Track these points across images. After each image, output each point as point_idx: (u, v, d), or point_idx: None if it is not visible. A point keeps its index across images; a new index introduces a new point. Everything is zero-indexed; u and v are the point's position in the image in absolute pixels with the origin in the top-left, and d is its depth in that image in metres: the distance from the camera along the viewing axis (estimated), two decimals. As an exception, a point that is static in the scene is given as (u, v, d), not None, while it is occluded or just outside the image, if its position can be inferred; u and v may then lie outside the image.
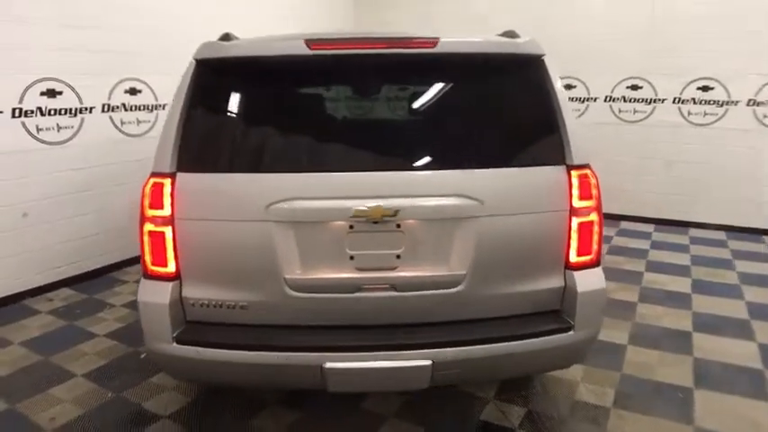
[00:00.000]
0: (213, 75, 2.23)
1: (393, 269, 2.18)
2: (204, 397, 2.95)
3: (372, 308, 2.20)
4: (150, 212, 2.18)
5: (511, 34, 2.39)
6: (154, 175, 2.18)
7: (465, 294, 2.19)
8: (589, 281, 2.26)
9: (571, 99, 6.67)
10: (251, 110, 2.27)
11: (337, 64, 2.23)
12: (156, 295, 2.19)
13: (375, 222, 2.11)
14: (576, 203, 2.22)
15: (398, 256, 2.18)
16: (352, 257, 2.17)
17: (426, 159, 2.22)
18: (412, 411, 2.81)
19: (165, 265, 2.21)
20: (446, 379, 2.22)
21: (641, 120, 6.48)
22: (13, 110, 4.02)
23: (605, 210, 2.31)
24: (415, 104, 2.35)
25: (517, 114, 2.32)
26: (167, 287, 2.20)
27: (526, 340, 2.17)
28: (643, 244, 5.76)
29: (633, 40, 6.28)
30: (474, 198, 2.13)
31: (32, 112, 4.14)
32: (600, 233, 2.32)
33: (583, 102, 6.74)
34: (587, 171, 2.24)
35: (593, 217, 2.26)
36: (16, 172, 4.08)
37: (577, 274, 2.25)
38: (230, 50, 2.21)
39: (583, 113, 6.73)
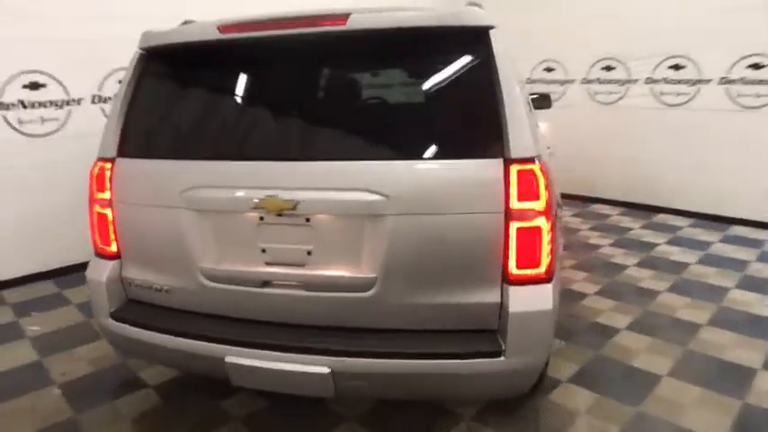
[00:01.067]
0: (147, 63, 2.22)
1: (303, 266, 2.00)
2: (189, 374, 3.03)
3: (281, 305, 2.04)
4: (97, 195, 2.25)
5: (473, 2, 2.03)
6: (99, 159, 2.24)
7: (377, 300, 1.93)
8: (528, 299, 1.86)
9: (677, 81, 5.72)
10: (173, 97, 2.23)
11: (247, 48, 2.08)
12: (98, 273, 2.27)
13: (279, 215, 1.95)
14: (515, 205, 1.82)
15: (309, 253, 1.99)
16: (263, 251, 2.03)
17: (330, 148, 1.98)
18: (376, 416, 2.60)
19: (108, 244, 2.28)
20: (356, 390, 1.99)
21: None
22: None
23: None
24: (325, 88, 2.10)
25: (445, 98, 1.96)
26: (108, 265, 2.27)
27: (443, 361, 1.85)
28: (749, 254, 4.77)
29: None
30: (380, 193, 1.85)
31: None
32: (553, 241, 1.89)
33: (694, 84, 5.73)
34: (532, 166, 1.82)
35: (541, 222, 1.84)
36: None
37: (514, 290, 1.86)
38: (153, 39, 2.18)
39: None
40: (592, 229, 5.64)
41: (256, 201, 1.93)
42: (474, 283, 1.89)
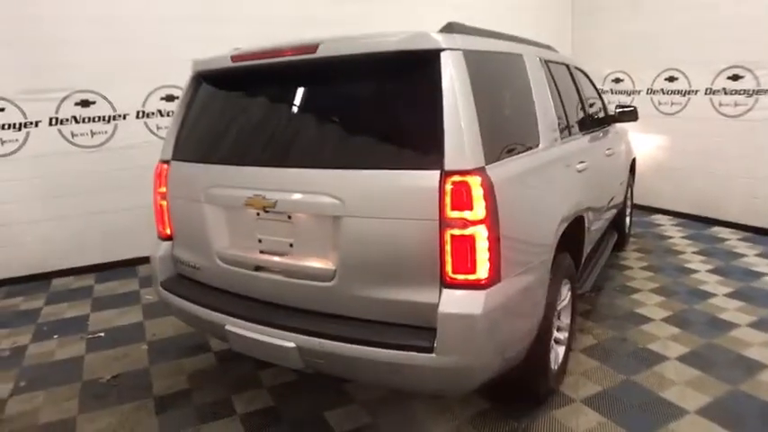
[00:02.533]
0: (195, 84, 2.74)
1: (285, 255, 2.32)
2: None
3: (268, 287, 2.39)
4: (158, 189, 2.83)
5: (448, 28, 2.19)
6: (160, 161, 2.82)
7: (337, 290, 2.18)
8: (459, 302, 1.95)
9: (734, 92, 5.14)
10: (205, 112, 2.68)
11: (247, 74, 2.47)
12: (155, 251, 2.85)
13: (267, 211, 2.30)
14: (449, 214, 1.94)
15: (291, 245, 2.31)
16: (260, 240, 2.40)
17: (300, 157, 2.25)
18: (385, 404, 2.82)
19: (164, 229, 2.84)
20: (321, 367, 2.25)
21: None
22: None
23: None
24: (300, 108, 2.37)
25: (394, 114, 2.12)
26: (162, 246, 2.84)
27: (381, 349, 2.03)
28: None
29: None
30: (337, 197, 2.10)
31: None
32: (494, 250, 1.97)
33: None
34: (467, 178, 1.93)
35: (477, 231, 1.94)
36: None
37: (447, 293, 1.97)
38: (197, 65, 2.68)
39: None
40: (696, 252, 5.11)
41: (247, 198, 2.31)
42: (416, 283, 2.03)
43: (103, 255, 5.16)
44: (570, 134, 3.13)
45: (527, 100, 2.63)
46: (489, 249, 1.95)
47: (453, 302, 1.95)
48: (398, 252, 2.03)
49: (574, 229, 2.89)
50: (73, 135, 4.92)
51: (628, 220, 5.34)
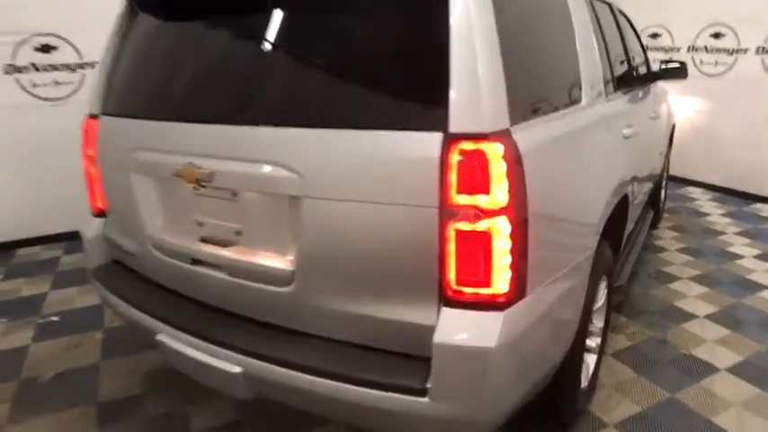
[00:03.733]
0: (131, 13, 2.04)
1: (231, 246, 1.68)
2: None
3: (210, 288, 1.77)
4: (87, 151, 2.18)
5: None
6: (87, 116, 2.16)
7: (296, 299, 1.55)
8: (466, 328, 1.32)
9: None
10: (142, 52, 1.99)
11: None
12: (86, 229, 2.23)
13: (203, 186, 1.65)
14: (454, 199, 1.28)
15: (238, 233, 1.67)
16: (200, 224, 1.76)
17: (247, 111, 1.58)
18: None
19: (96, 201, 2.21)
20: (277, 396, 1.65)
21: None
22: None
23: None
24: (253, 43, 1.66)
25: (377, 49, 1.43)
26: (94, 224, 2.22)
27: (349, 386, 1.41)
28: None
29: None
30: (291, 169, 1.44)
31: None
32: (519, 252, 1.31)
33: None
34: (484, 146, 1.25)
35: (496, 225, 1.28)
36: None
37: (448, 313, 1.34)
38: None
39: None
40: (739, 233, 4.40)
41: (176, 168, 1.66)
42: (405, 296, 1.40)
43: (75, 223, 4.57)
44: (615, 90, 2.40)
45: (568, 41, 1.92)
46: (513, 252, 1.30)
47: (456, 328, 1.31)
48: (380, 251, 1.39)
49: (615, 211, 2.21)
50: (34, 85, 4.25)
51: (663, 193, 4.62)
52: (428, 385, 1.33)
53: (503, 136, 1.28)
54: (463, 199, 1.27)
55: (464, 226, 1.28)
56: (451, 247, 1.30)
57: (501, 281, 1.31)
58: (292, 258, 1.53)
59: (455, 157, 1.26)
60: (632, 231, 3.21)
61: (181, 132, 1.68)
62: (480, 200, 1.27)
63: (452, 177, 1.27)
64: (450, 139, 1.27)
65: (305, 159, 1.42)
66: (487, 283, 1.31)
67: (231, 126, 1.56)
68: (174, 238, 1.82)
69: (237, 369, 1.58)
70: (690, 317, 3.04)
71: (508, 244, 1.29)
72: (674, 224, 4.64)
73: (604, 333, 2.43)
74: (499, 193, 1.27)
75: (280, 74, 1.59)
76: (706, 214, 4.91)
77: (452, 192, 1.27)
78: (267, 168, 1.48)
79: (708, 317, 3.04)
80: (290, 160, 1.44)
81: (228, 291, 1.70)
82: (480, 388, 1.32)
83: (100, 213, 2.21)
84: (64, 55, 4.31)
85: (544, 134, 1.50)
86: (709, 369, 2.55)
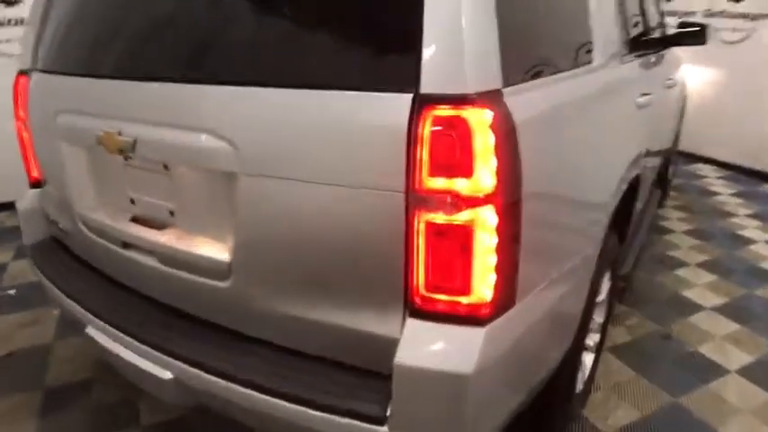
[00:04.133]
0: None
1: (164, 229, 1.39)
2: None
3: (144, 277, 1.48)
4: (17, 112, 1.87)
5: None
6: (18, 73, 1.84)
7: (236, 296, 1.27)
8: (436, 347, 1.03)
9: None
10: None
11: None
12: (21, 200, 1.94)
13: (127, 157, 1.34)
14: (426, 182, 0.98)
15: (172, 213, 1.38)
16: (132, 201, 1.47)
17: (174, 64, 1.26)
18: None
19: (31, 170, 1.91)
20: (215, 408, 1.38)
21: None
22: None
23: None
24: None
25: None
26: (29, 195, 1.92)
27: (297, 407, 1.14)
28: None
29: None
30: (225, 139, 1.14)
31: None
32: (508, 251, 1.02)
33: None
34: (466, 113, 0.94)
35: (479, 217, 0.98)
36: None
37: (413, 326, 1.05)
38: None
39: None
40: (751, 215, 4.10)
41: (99, 134, 1.35)
42: (363, 300, 1.12)
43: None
44: (630, 53, 2.06)
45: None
46: (500, 250, 1.00)
47: (424, 346, 1.03)
48: (332, 245, 1.10)
49: (625, 193, 1.91)
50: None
51: (671, 170, 4.30)
52: (388, 413, 1.06)
53: (492, 100, 0.97)
54: (437, 183, 0.97)
55: (437, 217, 0.98)
56: (420, 244, 1.01)
57: (484, 287, 1.02)
58: (230, 247, 1.24)
59: (427, 127, 0.95)
60: (640, 213, 2.90)
61: (104, 91, 1.38)
62: (460, 184, 0.97)
63: (423, 153, 0.97)
64: (422, 103, 0.96)
65: (239, 126, 1.12)
66: (466, 291, 1.02)
67: (157, 84, 1.25)
68: (104, 217, 1.53)
69: (168, 375, 1.31)
70: (697, 308, 2.78)
71: (495, 241, 1.00)
72: (681, 203, 4.33)
73: (604, 329, 2.16)
74: (485, 176, 0.96)
75: (211, 20, 1.26)
76: (716, 194, 4.60)
77: (423, 173, 0.97)
78: (196, 137, 1.18)
79: (716, 309, 2.77)
80: (222, 127, 1.13)
81: (163, 282, 1.41)
82: (452, 421, 1.04)
83: (36, 183, 1.91)
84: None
85: (546, 99, 1.19)
86: (717, 370, 2.30)
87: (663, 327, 2.61)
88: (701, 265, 3.25)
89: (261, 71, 1.13)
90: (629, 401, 2.10)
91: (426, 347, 1.02)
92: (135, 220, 1.45)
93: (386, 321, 1.09)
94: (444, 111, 0.95)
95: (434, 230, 0.99)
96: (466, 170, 0.96)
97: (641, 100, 2.03)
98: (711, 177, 5.06)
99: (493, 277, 1.02)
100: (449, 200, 0.97)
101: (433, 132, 0.96)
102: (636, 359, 2.35)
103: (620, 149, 1.73)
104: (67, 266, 1.73)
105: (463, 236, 0.98)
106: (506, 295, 1.06)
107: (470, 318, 1.03)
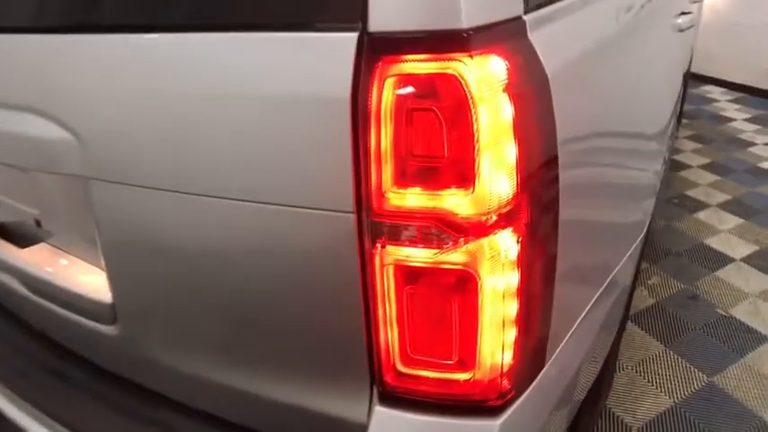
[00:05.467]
0: None
1: (30, 244, 0.95)
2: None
3: (17, 306, 1.06)
4: None
5: None
6: None
7: (131, 347, 0.85)
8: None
9: None
10: None
11: None
12: None
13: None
14: (388, 197, 0.54)
15: (38, 223, 0.93)
16: (-4, 204, 1.01)
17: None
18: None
19: None
20: None
21: None
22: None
23: None
24: None
25: None
26: None
27: None
28: None
29: None
30: (62, 124, 0.67)
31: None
32: (535, 306, 0.59)
33: None
34: (458, 65, 0.48)
35: (490, 251, 0.54)
36: None
37: (384, 419, 0.64)
38: None
39: None
40: (772, 143, 3.66)
41: None
42: (311, 373, 0.69)
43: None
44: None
45: None
46: (524, 301, 0.56)
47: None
48: (248, 289, 0.65)
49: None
50: None
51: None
52: None
53: (507, 39, 0.51)
54: (410, 198, 0.53)
55: (414, 257, 0.54)
56: (390, 297, 0.57)
57: (496, 359, 0.60)
58: (109, 284, 0.80)
59: (387, 95, 0.50)
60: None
61: None
62: (451, 199, 0.52)
63: (383, 144, 0.51)
64: (375, 50, 0.49)
65: (82, 104, 0.65)
66: (466, 365, 0.60)
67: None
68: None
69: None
70: (725, 260, 2.40)
71: (515, 285, 0.56)
72: (694, 132, 3.87)
73: (628, 304, 1.78)
74: (497, 181, 0.52)
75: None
76: (730, 119, 4.13)
77: (384, 180, 0.52)
78: (27, 121, 0.71)
79: (746, 260, 2.39)
80: (58, 106, 0.66)
81: (38, 316, 0.99)
82: None
83: None
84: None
85: (583, 31, 0.71)
86: (756, 338, 1.94)
87: (688, 284, 2.24)
88: (723, 206, 2.85)
89: (113, 8, 0.64)
90: (658, 385, 1.76)
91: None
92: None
93: (348, 403, 0.68)
94: (417, 64, 0.49)
95: (409, 277, 0.55)
96: (461, 173, 0.51)
97: (682, 21, 1.52)
98: (723, 101, 4.55)
99: (512, 343, 0.60)
100: (433, 229, 0.52)
101: (397, 105, 0.50)
102: (662, 329, 2.00)
103: (665, 94, 1.26)
104: None
105: (460, 286, 0.55)
106: (532, 364, 0.64)
107: (474, 405, 0.62)
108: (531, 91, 0.53)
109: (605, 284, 0.86)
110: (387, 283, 0.56)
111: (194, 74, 0.58)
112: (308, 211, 0.56)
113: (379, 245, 0.55)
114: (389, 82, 0.50)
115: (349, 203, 0.54)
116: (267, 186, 0.57)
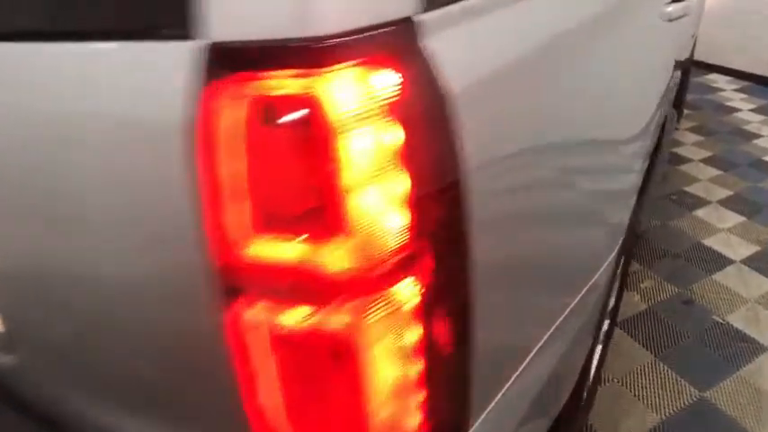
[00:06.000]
0: None
1: None
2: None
3: None
4: None
5: None
6: None
7: (25, 381, 0.75)
8: None
9: None
10: None
11: None
12: None
13: None
14: (246, 245, 0.42)
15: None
16: None
17: None
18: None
19: None
20: None
21: None
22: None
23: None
24: None
25: None
26: None
27: None
28: None
29: None
30: None
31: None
32: (445, 362, 0.49)
33: None
34: (321, 81, 0.36)
35: (382, 309, 0.43)
36: None
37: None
38: None
39: None
40: (778, 135, 3.49)
41: None
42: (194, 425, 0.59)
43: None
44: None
45: None
46: (430, 362, 0.46)
47: None
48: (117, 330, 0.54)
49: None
50: None
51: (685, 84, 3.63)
52: None
53: (393, 45, 0.39)
54: (271, 246, 0.41)
55: (282, 322, 0.43)
56: (257, 370, 0.46)
57: (405, 416, 0.49)
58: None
59: (228, 122, 0.38)
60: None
61: None
62: (321, 249, 0.40)
63: (236, 179, 0.40)
64: (218, 64, 0.38)
65: None
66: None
67: None
68: None
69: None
70: (724, 262, 2.27)
71: (417, 342, 0.45)
72: (696, 123, 3.71)
73: (615, 312, 1.67)
74: (386, 221, 0.40)
75: None
76: (734, 110, 3.95)
77: (234, 228, 0.41)
78: None
79: (746, 262, 2.26)
80: None
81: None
82: None
83: None
84: None
85: (517, 31, 0.59)
86: (753, 348, 1.82)
87: (683, 287, 2.12)
88: (725, 203, 2.71)
89: None
90: (645, 399, 1.65)
91: None
92: None
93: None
94: (267, 82, 0.37)
95: (276, 345, 0.44)
96: (329, 216, 0.40)
97: (672, 9, 1.38)
98: (727, 90, 4.37)
99: (417, 408, 0.49)
100: (302, 287, 0.41)
101: (250, 131, 0.39)
102: (653, 337, 1.88)
103: (647, 90, 1.12)
104: None
105: (341, 354, 0.44)
106: (451, 427, 0.53)
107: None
108: (424, 110, 0.42)
109: (559, 321, 0.75)
110: (251, 353, 0.45)
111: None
112: (154, 262, 0.45)
113: (234, 306, 0.44)
114: (229, 105, 0.38)
115: (197, 254, 0.43)
116: (103, 228, 0.46)
